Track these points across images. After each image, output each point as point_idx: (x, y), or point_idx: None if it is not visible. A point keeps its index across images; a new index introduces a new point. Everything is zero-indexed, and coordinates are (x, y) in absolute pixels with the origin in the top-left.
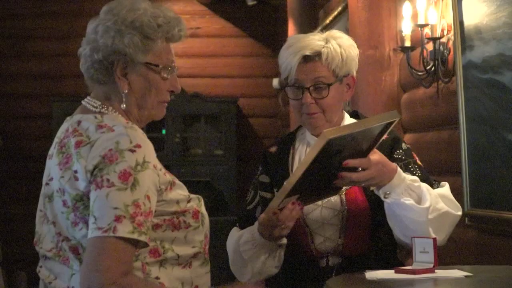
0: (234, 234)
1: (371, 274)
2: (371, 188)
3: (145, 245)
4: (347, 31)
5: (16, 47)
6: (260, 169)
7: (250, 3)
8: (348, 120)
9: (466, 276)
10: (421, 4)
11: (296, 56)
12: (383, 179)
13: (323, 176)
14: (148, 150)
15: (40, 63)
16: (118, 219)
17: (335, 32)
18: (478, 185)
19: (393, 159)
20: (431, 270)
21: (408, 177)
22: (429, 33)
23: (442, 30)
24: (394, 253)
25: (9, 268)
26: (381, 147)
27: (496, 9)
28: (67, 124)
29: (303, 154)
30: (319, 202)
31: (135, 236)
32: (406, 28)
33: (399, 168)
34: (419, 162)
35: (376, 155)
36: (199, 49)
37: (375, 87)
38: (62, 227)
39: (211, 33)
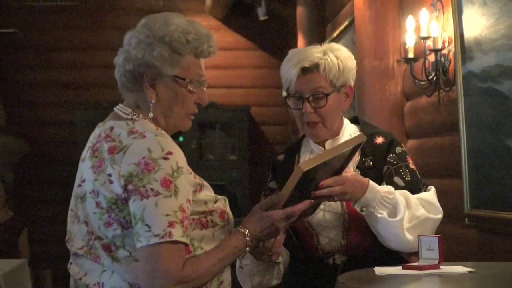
0: None
1: (380, 270)
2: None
3: (186, 244)
4: (354, 43)
5: (42, 59)
6: (270, 176)
7: (261, 18)
8: (348, 126)
9: (469, 272)
10: (423, 18)
11: (295, 68)
12: (355, 194)
13: (304, 198)
14: (179, 156)
15: (64, 74)
16: (171, 225)
17: (334, 45)
18: (477, 187)
19: (386, 162)
20: (436, 266)
21: (383, 189)
22: (431, 45)
23: (443, 42)
24: (397, 251)
25: (35, 266)
26: (376, 150)
27: (495, 22)
28: (100, 130)
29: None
30: (322, 206)
31: (184, 239)
32: (410, 40)
33: (371, 182)
34: (411, 166)
35: (348, 173)
36: (214, 61)
37: (380, 95)
38: (94, 227)
39: (225, 47)
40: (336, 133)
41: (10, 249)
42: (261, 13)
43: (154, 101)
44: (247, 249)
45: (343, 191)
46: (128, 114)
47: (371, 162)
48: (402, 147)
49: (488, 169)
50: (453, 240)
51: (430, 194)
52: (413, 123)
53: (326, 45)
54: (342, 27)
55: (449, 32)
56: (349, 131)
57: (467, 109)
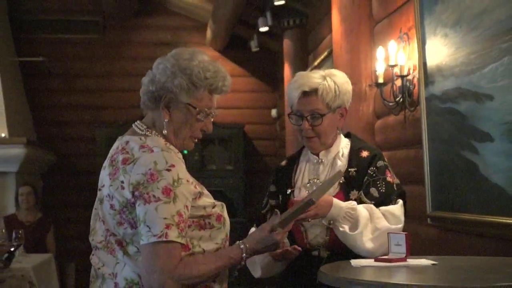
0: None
1: (355, 262)
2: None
3: (183, 245)
4: None
5: (67, 84)
6: (271, 180)
7: (254, 49)
8: (342, 140)
9: (432, 264)
10: (392, 49)
11: (297, 91)
12: (323, 212)
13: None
14: (180, 168)
15: (85, 97)
16: (168, 226)
17: (333, 71)
18: (438, 192)
19: (367, 173)
20: (403, 259)
21: (347, 205)
22: (398, 71)
23: (409, 69)
24: None
25: (61, 261)
26: (360, 162)
27: (455, 51)
28: (118, 143)
29: (303, 168)
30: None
31: (179, 240)
32: (380, 67)
33: (335, 200)
34: (388, 179)
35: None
36: None
37: (354, 115)
38: (109, 225)
39: None
40: (329, 145)
41: (39, 245)
42: (254, 46)
43: (167, 120)
44: (243, 262)
45: (316, 213)
46: (142, 130)
47: (355, 173)
48: (384, 161)
49: (447, 177)
50: (417, 237)
51: (396, 207)
52: (382, 138)
53: (326, 71)
54: (322, 56)
55: (414, 60)
56: (341, 144)
57: (429, 126)
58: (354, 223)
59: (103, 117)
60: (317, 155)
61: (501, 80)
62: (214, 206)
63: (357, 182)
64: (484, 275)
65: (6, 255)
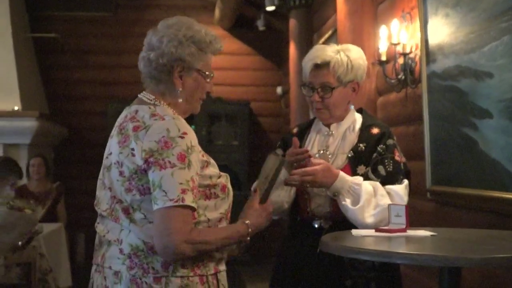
0: None
1: (356, 232)
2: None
3: (194, 210)
4: None
5: (80, 60)
6: (278, 144)
7: (260, 28)
8: (354, 114)
9: (431, 235)
10: (394, 27)
11: (309, 63)
12: (326, 183)
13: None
14: (192, 136)
15: (98, 73)
16: (184, 191)
17: (349, 46)
18: (438, 167)
19: (376, 150)
20: (403, 230)
21: (353, 180)
22: (401, 50)
23: (411, 47)
24: None
25: (71, 230)
26: (370, 138)
27: (456, 30)
28: (126, 112)
29: (313, 138)
30: None
31: (193, 205)
32: (383, 46)
33: (341, 173)
34: (396, 158)
35: (321, 165)
36: (221, 64)
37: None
38: (116, 192)
39: (230, 52)
40: (341, 119)
41: (50, 215)
42: (260, 25)
43: (181, 89)
44: (248, 238)
45: (313, 180)
46: (151, 100)
47: (364, 148)
48: (393, 139)
49: (446, 152)
50: (417, 211)
51: (401, 187)
52: (384, 115)
53: (342, 46)
54: (326, 36)
55: (416, 39)
56: (353, 119)
57: (430, 103)
58: (357, 198)
59: (114, 92)
60: (328, 126)
61: (500, 58)
62: (219, 177)
63: (365, 157)
64: (480, 246)
65: (26, 238)
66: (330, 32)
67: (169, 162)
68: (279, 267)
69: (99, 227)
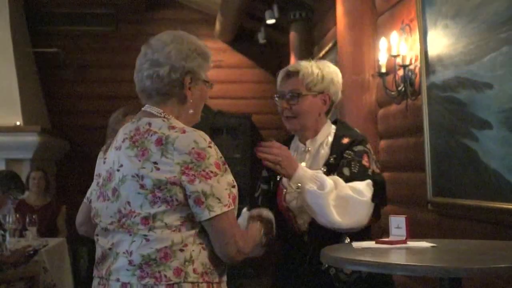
0: (244, 212)
1: (356, 244)
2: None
3: None
4: (336, 62)
5: (82, 74)
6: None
7: (261, 41)
8: (327, 127)
9: (432, 246)
10: (394, 39)
11: (281, 73)
12: (288, 169)
13: None
14: (215, 145)
15: (99, 87)
16: (229, 196)
17: (325, 62)
18: (438, 178)
19: (343, 157)
20: (404, 242)
21: (313, 171)
22: (400, 61)
23: (411, 59)
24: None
25: (73, 245)
26: (340, 148)
27: (455, 41)
28: (135, 125)
29: (292, 154)
30: (296, 194)
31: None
32: (382, 58)
33: (301, 164)
34: (364, 163)
35: (288, 151)
36: (222, 77)
37: (358, 104)
38: (134, 204)
39: (231, 65)
40: (315, 133)
41: (51, 229)
42: (261, 38)
43: (191, 100)
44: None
45: (275, 160)
46: (160, 114)
47: (334, 160)
48: (364, 147)
49: (447, 163)
50: (418, 222)
51: (361, 183)
52: (384, 127)
53: (319, 60)
54: (326, 48)
55: (416, 50)
56: (326, 132)
57: (430, 114)
58: (321, 185)
59: (116, 106)
60: (304, 143)
61: (500, 69)
62: (233, 186)
63: (336, 168)
64: (480, 257)
65: (31, 252)
66: (330, 45)
67: (211, 171)
68: (276, 283)
69: (102, 240)
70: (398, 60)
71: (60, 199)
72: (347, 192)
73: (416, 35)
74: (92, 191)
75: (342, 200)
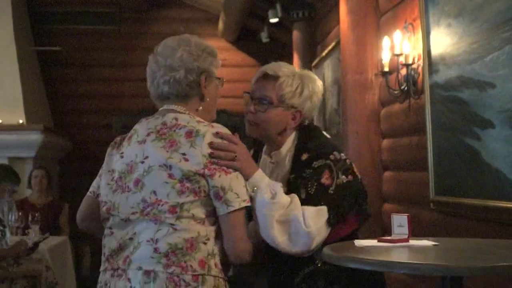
0: None
1: (359, 242)
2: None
3: None
4: (339, 61)
5: (84, 73)
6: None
7: (264, 40)
8: (292, 138)
9: (434, 245)
10: (397, 38)
11: (259, 72)
12: (245, 168)
13: None
14: None
15: (102, 86)
16: (246, 193)
17: (311, 75)
18: (441, 178)
19: (301, 177)
20: (406, 240)
21: (270, 180)
22: (403, 60)
23: (414, 58)
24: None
25: (76, 243)
26: (298, 166)
27: (458, 41)
28: (161, 120)
29: (261, 163)
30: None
31: None
32: (385, 57)
33: (260, 170)
34: (323, 181)
35: (247, 151)
36: (226, 76)
37: (360, 103)
38: (160, 193)
39: (235, 64)
40: (279, 146)
41: (53, 227)
42: (264, 37)
43: (208, 99)
44: None
45: (240, 152)
46: (183, 110)
47: (293, 179)
48: (326, 159)
49: (449, 163)
50: (420, 221)
51: (312, 211)
52: (387, 126)
53: (302, 71)
54: (329, 47)
55: (419, 49)
56: (290, 143)
57: (433, 113)
58: (274, 194)
59: (119, 105)
60: (269, 155)
61: (502, 68)
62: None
63: (295, 188)
64: (482, 256)
65: (31, 244)
66: (333, 44)
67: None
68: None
69: (119, 232)
70: (401, 59)
71: (62, 198)
72: (296, 215)
73: (419, 34)
74: (103, 186)
75: (288, 220)
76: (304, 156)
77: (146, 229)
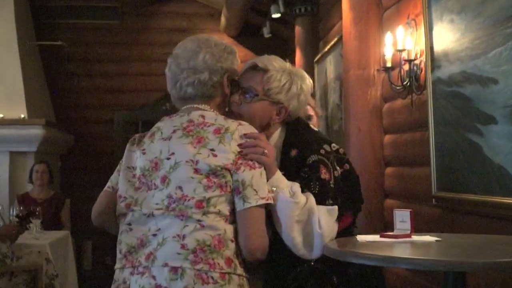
0: None
1: (361, 238)
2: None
3: None
4: (341, 56)
5: (87, 68)
6: None
7: (266, 36)
8: (280, 132)
9: (436, 241)
10: (400, 34)
11: (249, 63)
12: (272, 165)
13: None
14: None
15: (104, 81)
16: (269, 191)
17: (301, 72)
18: (443, 174)
19: (299, 177)
20: (408, 236)
21: (288, 181)
22: (406, 56)
23: (416, 54)
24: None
25: (78, 238)
26: (289, 163)
27: (461, 36)
28: (187, 118)
29: None
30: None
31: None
32: (388, 52)
33: (278, 170)
34: (323, 177)
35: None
36: None
37: (363, 99)
38: (186, 188)
39: None
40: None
41: (55, 222)
42: (266, 32)
43: (229, 99)
44: None
45: (268, 149)
46: (208, 109)
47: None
48: (317, 153)
49: (451, 159)
50: (423, 217)
51: (324, 211)
52: (389, 121)
53: (294, 69)
54: (332, 43)
55: (421, 45)
56: (278, 138)
57: (435, 109)
58: (293, 195)
59: (121, 100)
60: None
61: (505, 64)
62: None
63: None
64: (484, 251)
65: (19, 219)
66: (335, 39)
67: (257, 162)
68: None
69: (140, 228)
70: (404, 55)
71: (64, 193)
72: (312, 215)
73: (422, 30)
74: (122, 182)
75: (304, 220)
76: (293, 152)
77: (172, 225)
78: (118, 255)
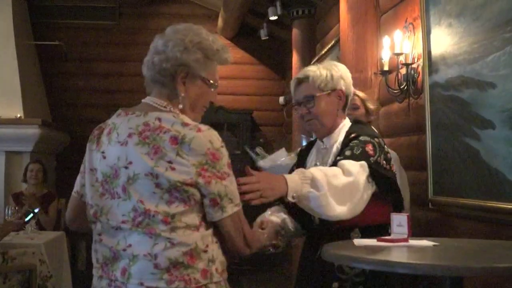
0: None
1: (358, 241)
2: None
3: None
4: (338, 59)
5: (84, 68)
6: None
7: (263, 38)
8: (344, 125)
9: (433, 245)
10: (397, 38)
11: (293, 82)
12: (278, 187)
13: None
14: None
15: (101, 81)
16: (238, 197)
17: (331, 61)
18: (440, 177)
19: (347, 146)
20: (406, 240)
21: (296, 173)
22: (403, 60)
23: (414, 58)
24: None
25: (72, 238)
26: (347, 142)
27: (458, 40)
28: (143, 120)
29: (313, 152)
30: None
31: None
32: (385, 56)
33: (285, 175)
34: (367, 149)
35: (261, 173)
36: (224, 73)
37: None
38: (149, 203)
39: (233, 61)
40: (332, 131)
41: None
42: (263, 34)
43: (183, 94)
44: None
45: (263, 187)
46: (165, 107)
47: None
48: (372, 138)
49: (448, 162)
50: (419, 221)
51: (352, 163)
52: (386, 125)
53: (325, 61)
54: (329, 45)
55: (419, 49)
56: (342, 129)
57: (432, 113)
58: (313, 182)
59: (117, 100)
60: (322, 141)
61: (503, 68)
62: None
63: None
64: (481, 256)
65: (30, 215)
66: (333, 42)
67: (225, 172)
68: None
69: (109, 240)
70: (401, 59)
71: (59, 192)
72: (339, 182)
73: (420, 34)
74: (87, 186)
75: (338, 190)
76: (352, 135)
77: (141, 242)
78: (95, 264)
